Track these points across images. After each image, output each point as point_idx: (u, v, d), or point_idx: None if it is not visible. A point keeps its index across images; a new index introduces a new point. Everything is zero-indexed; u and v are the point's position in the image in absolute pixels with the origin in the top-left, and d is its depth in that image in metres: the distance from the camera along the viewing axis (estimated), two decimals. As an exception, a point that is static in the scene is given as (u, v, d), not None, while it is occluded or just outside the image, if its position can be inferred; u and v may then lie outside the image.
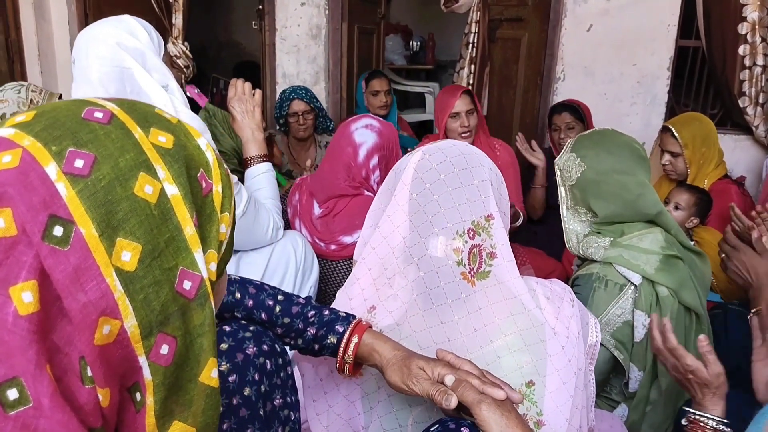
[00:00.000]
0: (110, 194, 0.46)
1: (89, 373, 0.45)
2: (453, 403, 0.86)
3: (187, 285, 0.49)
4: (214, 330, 0.52)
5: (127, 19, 1.61)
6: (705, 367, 1.15)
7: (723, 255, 1.71)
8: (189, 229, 0.50)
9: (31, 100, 1.99)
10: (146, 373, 0.48)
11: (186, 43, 3.50)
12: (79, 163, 0.45)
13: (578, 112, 2.97)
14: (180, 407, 0.51)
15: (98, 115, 0.49)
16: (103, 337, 0.45)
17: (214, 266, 0.53)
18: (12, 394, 0.41)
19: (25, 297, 0.42)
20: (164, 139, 0.51)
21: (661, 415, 1.59)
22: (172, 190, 0.49)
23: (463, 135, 2.67)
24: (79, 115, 0.48)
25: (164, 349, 0.48)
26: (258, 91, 1.91)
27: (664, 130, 2.62)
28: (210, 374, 0.52)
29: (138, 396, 0.49)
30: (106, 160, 0.46)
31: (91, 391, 0.45)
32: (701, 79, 3.60)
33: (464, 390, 0.86)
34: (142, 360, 0.47)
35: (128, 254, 0.46)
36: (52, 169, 0.44)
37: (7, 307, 0.41)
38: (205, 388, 0.52)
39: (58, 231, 0.43)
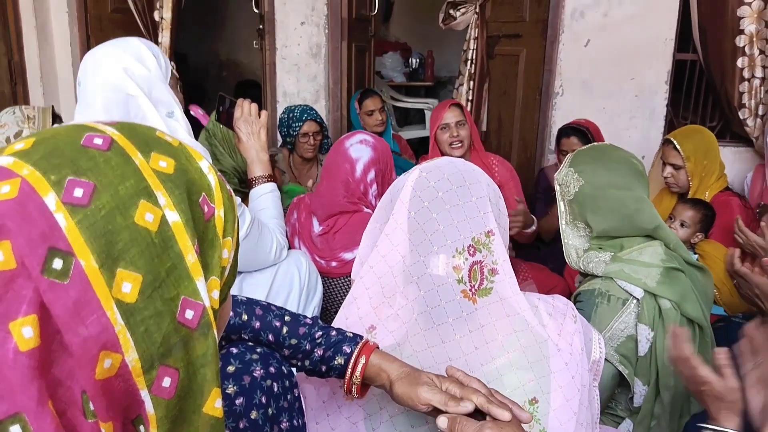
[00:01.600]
0: (110, 224, 0.45)
1: (91, 407, 0.44)
2: (470, 408, 0.85)
3: (189, 314, 0.48)
4: (217, 359, 0.51)
5: (135, 42, 1.60)
6: (721, 381, 1.13)
7: (735, 282, 1.67)
8: (191, 257, 0.49)
9: (27, 116, 2.00)
10: (149, 407, 0.46)
11: (172, 63, 3.50)
12: (78, 193, 0.44)
13: (587, 136, 2.96)
14: None
15: (98, 141, 0.48)
16: (105, 371, 0.44)
17: (216, 294, 0.52)
18: (15, 430, 0.41)
19: (25, 332, 0.41)
20: (165, 164, 0.50)
21: (665, 430, 1.58)
22: (174, 217, 0.48)
23: (452, 146, 2.63)
24: (79, 141, 0.47)
25: (166, 382, 0.47)
26: (264, 113, 1.92)
27: (666, 142, 2.62)
28: (214, 404, 0.51)
29: (142, 429, 0.48)
30: (106, 189, 0.45)
31: (94, 426, 0.45)
32: (699, 92, 3.61)
33: (461, 427, 0.84)
34: (144, 394, 0.46)
35: (129, 285, 0.45)
36: (51, 200, 0.43)
37: (8, 343, 0.41)
38: (210, 419, 0.51)
39: (57, 264, 0.42)
